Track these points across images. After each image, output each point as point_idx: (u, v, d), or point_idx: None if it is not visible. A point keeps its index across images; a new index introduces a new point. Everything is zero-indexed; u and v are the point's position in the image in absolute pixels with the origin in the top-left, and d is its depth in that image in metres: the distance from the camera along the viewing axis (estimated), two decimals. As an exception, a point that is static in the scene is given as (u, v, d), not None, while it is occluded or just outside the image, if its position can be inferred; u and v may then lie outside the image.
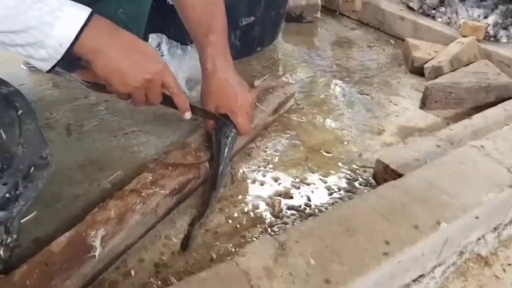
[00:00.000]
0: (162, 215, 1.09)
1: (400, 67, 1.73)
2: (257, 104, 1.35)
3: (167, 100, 1.11)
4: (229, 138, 1.20)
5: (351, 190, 1.22)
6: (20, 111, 0.94)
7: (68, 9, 0.92)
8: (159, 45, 1.49)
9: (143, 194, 1.06)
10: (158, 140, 1.33)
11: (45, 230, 1.03)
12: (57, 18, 0.90)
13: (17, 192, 0.80)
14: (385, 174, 1.21)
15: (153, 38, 1.49)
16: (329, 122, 1.46)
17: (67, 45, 0.91)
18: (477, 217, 1.04)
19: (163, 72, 1.05)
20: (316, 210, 1.16)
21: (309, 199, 1.19)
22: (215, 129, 1.21)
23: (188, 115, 1.16)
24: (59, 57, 0.92)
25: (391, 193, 1.05)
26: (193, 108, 1.16)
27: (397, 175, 1.17)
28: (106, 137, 1.33)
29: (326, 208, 1.17)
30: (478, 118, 1.39)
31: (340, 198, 1.20)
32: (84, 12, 0.94)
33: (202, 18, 1.25)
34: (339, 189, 1.22)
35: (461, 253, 1.09)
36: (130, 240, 1.02)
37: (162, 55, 1.46)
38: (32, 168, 0.84)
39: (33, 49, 0.91)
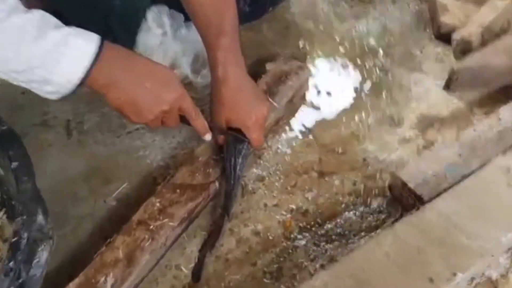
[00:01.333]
0: (171, 244, 1.07)
1: (425, 31, 1.58)
2: (270, 100, 1.25)
3: (185, 120, 1.06)
4: (242, 155, 1.13)
5: (366, 203, 1.18)
6: (15, 163, 0.87)
7: (74, 41, 0.83)
8: (161, 20, 1.35)
9: (151, 227, 1.03)
10: (164, 142, 1.26)
11: (57, 262, 1.02)
12: (62, 54, 0.82)
13: (20, 281, 0.76)
14: (402, 190, 1.15)
15: (155, 12, 1.34)
16: (345, 111, 1.37)
17: (76, 81, 0.85)
18: (492, 255, 1.02)
19: (181, 100, 1.00)
20: (329, 229, 1.12)
21: (321, 215, 1.15)
22: (227, 143, 1.14)
23: (208, 137, 1.11)
24: (68, 91, 0.86)
25: (408, 234, 1.02)
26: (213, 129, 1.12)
27: (413, 194, 1.12)
28: (109, 138, 1.26)
29: (338, 227, 1.13)
30: (505, 114, 1.29)
31: (354, 213, 1.16)
32: (92, 42, 0.85)
33: (211, 15, 1.11)
34: (354, 204, 1.17)
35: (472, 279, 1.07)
36: (139, 278, 1.00)
37: (165, 34, 1.33)
38: (34, 247, 0.79)
39: (38, 85, 0.85)
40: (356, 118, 1.35)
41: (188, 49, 1.34)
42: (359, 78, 1.44)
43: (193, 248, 1.08)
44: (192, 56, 1.35)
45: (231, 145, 1.13)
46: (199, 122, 1.07)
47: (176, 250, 1.08)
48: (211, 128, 1.11)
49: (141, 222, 1.04)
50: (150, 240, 1.01)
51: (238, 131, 1.14)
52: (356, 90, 1.42)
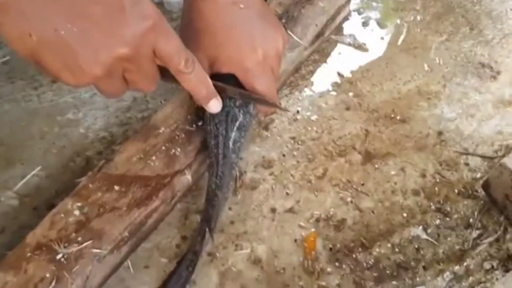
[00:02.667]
0: (100, 284, 0.60)
1: None
2: (289, 33, 0.75)
3: (169, 75, 0.58)
4: (239, 125, 0.66)
5: (444, 211, 0.69)
6: None
7: None
8: None
9: (60, 256, 0.56)
10: (109, 100, 0.77)
11: None
12: None
13: None
14: (510, 188, 0.66)
15: None
16: (406, 55, 0.86)
17: None
18: None
19: (154, 34, 0.53)
20: (381, 256, 0.64)
21: (368, 230, 0.67)
22: None
23: (215, 106, 0.63)
24: None
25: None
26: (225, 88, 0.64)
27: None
28: (20, 90, 0.78)
29: (396, 253, 0.65)
30: None
31: (424, 227, 0.67)
32: None
33: None
34: (423, 212, 0.69)
35: None
36: None
37: None
38: None
39: None
40: (425, 65, 0.84)
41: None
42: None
43: (143, 280, 0.61)
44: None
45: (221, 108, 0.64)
46: (195, 78, 0.58)
47: (112, 291, 0.61)
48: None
49: (42, 245, 0.57)
50: (54, 283, 0.54)
51: (231, 80, 0.65)
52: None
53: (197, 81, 0.58)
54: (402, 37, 0.88)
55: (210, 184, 0.64)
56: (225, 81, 0.65)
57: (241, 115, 0.66)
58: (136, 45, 0.51)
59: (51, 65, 0.50)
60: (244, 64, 0.65)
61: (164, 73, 0.57)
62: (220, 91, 0.62)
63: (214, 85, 0.61)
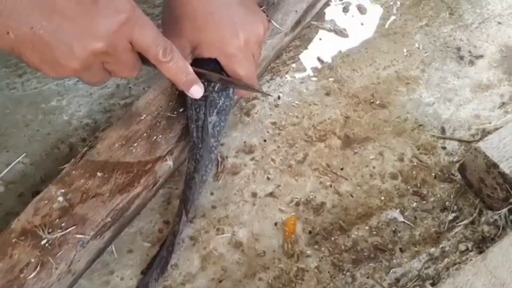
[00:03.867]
0: (84, 270, 0.61)
1: None
2: (270, 20, 0.76)
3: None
4: (219, 108, 0.67)
5: (421, 194, 0.70)
6: None
7: None
8: None
9: (44, 242, 0.57)
10: (92, 87, 0.78)
11: None
12: None
13: None
14: (484, 174, 0.68)
15: None
16: (386, 41, 0.87)
17: None
18: None
19: (129, 26, 0.54)
20: (359, 239, 0.66)
21: (347, 213, 0.69)
22: None
23: (197, 91, 0.64)
24: None
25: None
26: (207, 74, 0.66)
27: (508, 183, 0.65)
28: (4, 77, 0.78)
29: (374, 235, 0.67)
30: None
31: (401, 210, 0.69)
32: None
33: None
34: (401, 196, 0.71)
35: None
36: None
37: None
38: None
39: None
40: (404, 50, 0.85)
41: None
42: (409, -14, 0.92)
43: (126, 271, 0.63)
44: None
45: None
46: (174, 66, 0.59)
47: (95, 278, 0.62)
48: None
49: (27, 231, 0.58)
50: (39, 268, 0.56)
51: (212, 65, 0.66)
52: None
53: (177, 69, 0.59)
54: (381, 22, 0.89)
55: (189, 167, 0.65)
56: (207, 66, 0.66)
57: (220, 100, 0.67)
58: (111, 39, 0.52)
59: (31, 60, 0.51)
60: (226, 49, 0.65)
61: (145, 59, 0.58)
62: (201, 77, 0.63)
63: (195, 71, 0.62)
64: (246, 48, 0.66)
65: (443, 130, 0.77)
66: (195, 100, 0.65)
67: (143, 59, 0.58)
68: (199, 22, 0.65)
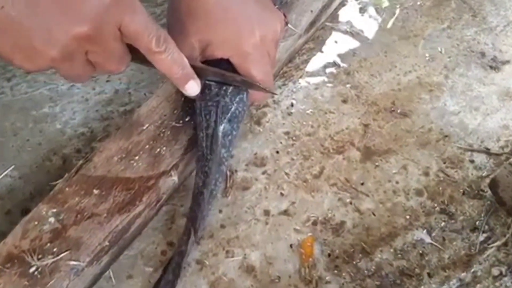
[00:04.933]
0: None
1: None
2: (287, 21, 0.70)
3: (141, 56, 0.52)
4: (230, 116, 0.60)
5: (449, 213, 0.64)
6: None
7: None
8: None
9: (33, 269, 0.51)
10: (89, 90, 0.71)
11: None
12: None
13: None
14: (520, 191, 0.62)
15: None
16: (406, 44, 0.81)
17: None
18: None
19: (121, 11, 0.47)
20: (382, 262, 0.60)
21: (369, 234, 0.63)
22: (201, 92, 0.59)
23: (193, 88, 0.56)
24: None
25: None
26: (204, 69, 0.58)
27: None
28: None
29: (399, 259, 0.61)
30: None
31: (428, 231, 0.63)
32: None
33: None
34: (427, 214, 0.64)
35: None
36: None
37: None
38: None
39: None
40: (426, 54, 0.79)
41: None
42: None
43: (127, 299, 0.56)
44: None
45: (208, 96, 0.59)
46: (168, 57, 0.52)
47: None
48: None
49: (13, 257, 0.51)
50: (26, 300, 0.49)
51: (224, 66, 0.59)
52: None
53: (171, 61, 0.52)
54: (401, 24, 0.82)
55: (197, 181, 0.58)
56: (218, 67, 0.59)
57: (233, 105, 0.60)
58: (97, 22, 0.45)
59: (1, 47, 0.44)
60: (241, 48, 0.59)
61: (135, 52, 0.51)
62: (201, 74, 0.56)
63: (193, 67, 0.55)
64: (262, 46, 0.60)
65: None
66: (205, 105, 0.59)
67: (133, 53, 0.51)
68: (211, 19, 0.59)
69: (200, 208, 0.57)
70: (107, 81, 0.73)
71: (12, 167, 0.64)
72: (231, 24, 0.58)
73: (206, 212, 0.58)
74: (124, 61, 0.51)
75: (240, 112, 0.61)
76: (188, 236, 0.56)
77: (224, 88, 0.60)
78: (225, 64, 0.59)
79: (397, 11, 0.84)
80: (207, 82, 0.59)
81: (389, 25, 0.82)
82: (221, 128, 0.59)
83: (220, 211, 0.63)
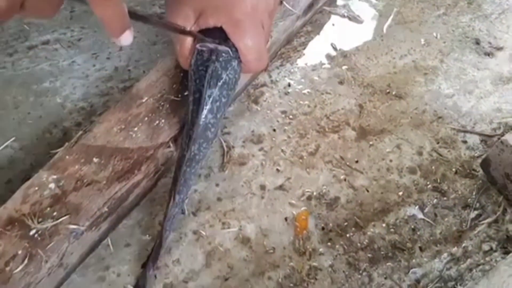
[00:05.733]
0: (77, 264, 0.56)
1: None
2: (284, 3, 0.71)
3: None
4: (223, 84, 0.59)
5: (441, 190, 0.66)
6: None
7: None
8: None
9: (34, 232, 0.52)
10: (89, 65, 0.72)
11: None
12: None
13: None
14: (510, 167, 0.63)
15: None
16: (402, 29, 0.82)
17: None
18: None
19: None
20: (375, 236, 0.61)
21: (362, 209, 0.64)
22: (194, 61, 0.60)
23: (126, 39, 0.49)
24: None
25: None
26: (146, 18, 0.53)
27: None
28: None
29: (392, 233, 0.62)
30: None
31: (421, 207, 0.64)
32: None
33: None
34: (419, 191, 0.65)
35: None
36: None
37: None
38: None
39: None
40: (422, 40, 0.81)
41: None
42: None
43: (122, 267, 0.57)
44: None
45: (200, 61, 0.59)
46: (112, 5, 0.45)
47: (89, 274, 0.57)
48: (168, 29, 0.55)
49: (14, 220, 0.52)
50: (26, 261, 0.50)
51: (217, 34, 0.60)
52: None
53: (113, 10, 0.45)
54: (398, 10, 0.84)
55: (181, 144, 0.58)
56: (211, 35, 0.59)
57: (223, 71, 0.59)
58: None
59: None
60: (232, 15, 0.59)
61: None
62: (141, 21, 0.52)
63: (133, 14, 0.48)
64: (254, 15, 0.60)
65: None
66: (197, 70, 0.59)
67: None
68: None
69: (181, 171, 0.56)
70: (107, 58, 0.74)
71: (13, 138, 0.65)
72: None
73: (189, 175, 0.58)
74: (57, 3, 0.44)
75: (230, 79, 0.60)
76: (168, 201, 0.56)
77: (216, 54, 0.59)
78: (219, 33, 0.60)
79: (394, -3, 0.86)
80: (199, 47, 0.59)
81: (387, 10, 0.84)
82: (209, 92, 0.58)
83: (217, 185, 0.64)
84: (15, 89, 0.69)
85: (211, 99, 0.58)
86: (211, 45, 0.58)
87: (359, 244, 0.61)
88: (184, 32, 0.59)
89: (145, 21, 0.53)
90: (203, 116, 0.57)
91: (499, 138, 0.69)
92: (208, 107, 0.58)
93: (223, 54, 0.59)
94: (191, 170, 0.58)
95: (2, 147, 0.64)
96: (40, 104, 0.68)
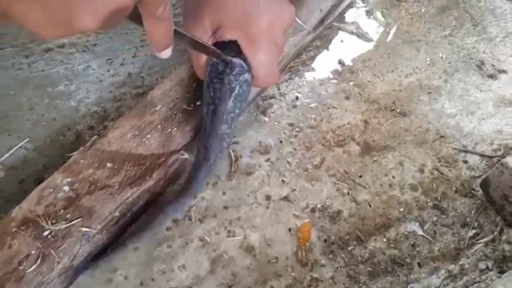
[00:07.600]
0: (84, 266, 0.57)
1: None
2: (296, 19, 0.73)
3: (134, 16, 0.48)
4: (236, 95, 0.61)
5: (441, 208, 0.67)
6: None
7: None
8: None
9: (47, 233, 0.53)
10: (104, 70, 0.74)
11: None
12: None
13: None
14: (508, 192, 0.65)
15: None
16: (409, 47, 0.84)
17: None
18: None
19: None
20: (376, 250, 0.63)
21: (364, 223, 0.66)
22: (208, 72, 0.61)
23: (166, 54, 0.51)
24: None
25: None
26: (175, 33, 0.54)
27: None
28: (10, 58, 0.74)
29: (392, 248, 0.64)
30: None
31: (421, 224, 0.66)
32: None
33: None
34: (420, 208, 0.67)
35: None
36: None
37: None
38: None
39: None
40: (428, 59, 0.83)
41: None
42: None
43: (130, 270, 0.59)
44: None
45: (215, 73, 0.61)
46: (165, 25, 0.48)
47: (97, 276, 0.58)
48: (190, 45, 0.56)
49: (28, 221, 0.54)
50: (39, 261, 0.52)
51: (233, 47, 0.61)
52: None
53: (165, 29, 0.48)
54: (405, 29, 0.86)
55: (198, 154, 0.60)
56: (226, 48, 0.61)
57: (237, 85, 0.61)
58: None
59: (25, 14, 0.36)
60: (248, 29, 0.60)
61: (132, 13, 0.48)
62: (181, 40, 0.54)
63: (179, 32, 0.51)
64: (269, 32, 0.61)
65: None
66: (212, 82, 0.61)
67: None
68: (222, 1, 0.60)
69: (197, 180, 0.59)
70: (122, 64, 0.75)
71: (27, 139, 0.67)
72: (240, 5, 0.60)
73: (200, 186, 0.60)
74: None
75: (243, 91, 0.62)
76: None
77: (231, 67, 0.61)
78: (234, 47, 0.61)
79: (402, 16, 0.87)
80: (214, 60, 0.61)
81: (394, 28, 0.86)
82: (224, 104, 0.60)
83: (224, 194, 0.66)
84: (30, 90, 0.71)
85: (225, 111, 0.60)
86: (226, 58, 0.60)
87: (359, 258, 0.63)
88: (214, 54, 0.60)
89: (183, 38, 0.54)
90: (219, 127, 0.59)
91: (499, 160, 0.71)
92: (223, 118, 0.59)
93: (237, 67, 0.61)
94: (204, 180, 0.61)
95: (16, 147, 0.66)
96: (54, 107, 0.70)
